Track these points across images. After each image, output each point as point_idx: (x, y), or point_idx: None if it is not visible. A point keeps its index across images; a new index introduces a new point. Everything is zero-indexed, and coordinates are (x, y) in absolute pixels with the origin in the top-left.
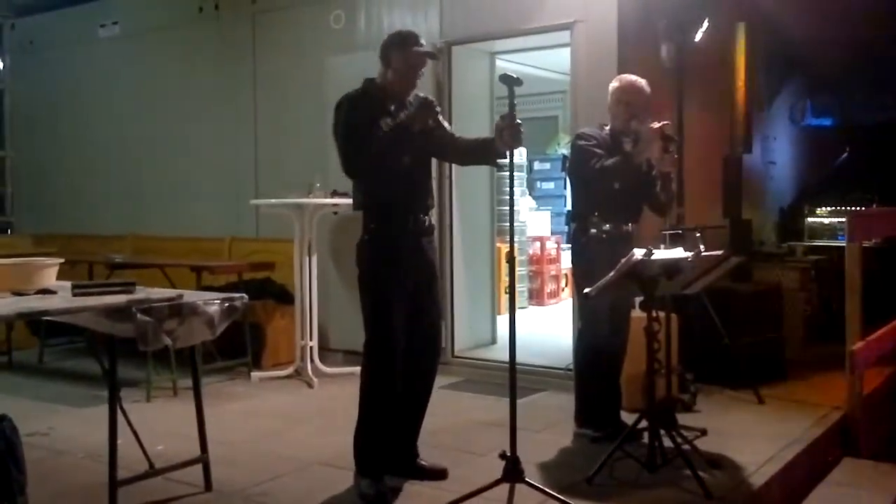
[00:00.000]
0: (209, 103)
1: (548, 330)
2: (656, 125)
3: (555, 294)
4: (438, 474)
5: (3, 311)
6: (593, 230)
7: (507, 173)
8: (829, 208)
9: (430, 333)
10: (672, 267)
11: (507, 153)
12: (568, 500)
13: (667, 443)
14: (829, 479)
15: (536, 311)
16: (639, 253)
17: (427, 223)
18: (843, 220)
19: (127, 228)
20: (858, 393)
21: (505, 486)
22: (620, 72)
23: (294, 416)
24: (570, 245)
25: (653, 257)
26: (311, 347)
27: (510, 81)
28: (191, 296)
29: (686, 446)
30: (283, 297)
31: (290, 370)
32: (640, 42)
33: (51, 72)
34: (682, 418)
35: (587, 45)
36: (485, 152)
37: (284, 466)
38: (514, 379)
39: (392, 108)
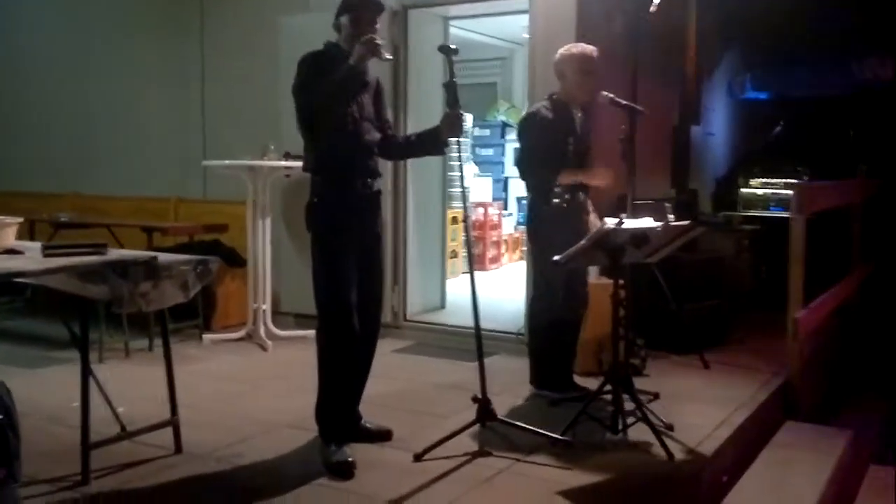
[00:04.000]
0: (155, 60)
1: (494, 294)
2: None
3: (496, 259)
4: (384, 435)
5: None
6: (556, 199)
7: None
8: (762, 180)
9: (375, 296)
10: (641, 236)
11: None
12: (544, 431)
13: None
14: (774, 441)
15: (479, 276)
16: (610, 222)
17: (375, 188)
18: (776, 191)
19: (68, 187)
20: (801, 358)
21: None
22: (578, 40)
23: (253, 378)
24: (528, 213)
25: (623, 226)
26: (263, 310)
27: (448, 51)
28: (163, 258)
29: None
30: (233, 259)
31: (241, 333)
32: (598, 10)
33: None
34: (635, 382)
35: (546, 12)
36: (432, 143)
37: (252, 429)
38: (478, 325)
39: None
